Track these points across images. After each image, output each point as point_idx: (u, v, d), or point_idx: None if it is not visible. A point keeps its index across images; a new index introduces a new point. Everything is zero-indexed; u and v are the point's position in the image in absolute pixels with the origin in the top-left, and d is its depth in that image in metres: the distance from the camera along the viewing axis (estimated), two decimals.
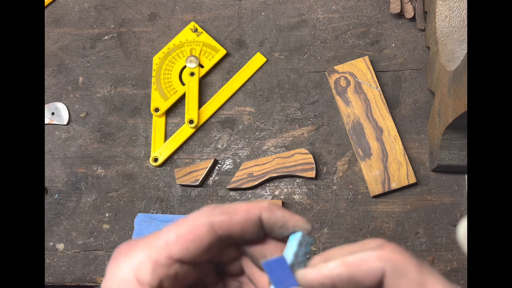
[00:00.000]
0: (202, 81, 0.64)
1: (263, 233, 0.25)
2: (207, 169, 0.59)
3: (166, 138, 0.62)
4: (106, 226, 0.59)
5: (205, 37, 0.65)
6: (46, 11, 0.68)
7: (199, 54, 0.64)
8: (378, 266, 0.22)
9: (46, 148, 0.63)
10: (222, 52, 0.64)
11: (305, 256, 0.25)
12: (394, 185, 0.56)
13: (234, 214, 0.24)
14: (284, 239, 0.26)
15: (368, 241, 0.24)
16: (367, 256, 0.22)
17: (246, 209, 0.24)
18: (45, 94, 0.65)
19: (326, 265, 0.23)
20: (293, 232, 0.25)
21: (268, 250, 0.26)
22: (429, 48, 0.60)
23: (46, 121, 0.63)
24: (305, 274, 0.23)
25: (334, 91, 0.60)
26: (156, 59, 0.64)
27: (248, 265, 0.27)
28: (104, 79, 0.65)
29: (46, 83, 0.65)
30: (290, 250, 0.24)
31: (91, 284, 0.58)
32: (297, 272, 0.23)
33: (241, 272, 0.28)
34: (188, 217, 0.24)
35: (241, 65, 0.64)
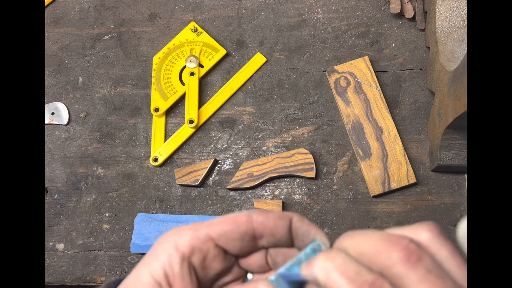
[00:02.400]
0: (202, 81, 0.64)
1: (290, 238, 0.28)
2: (207, 169, 0.59)
3: (166, 138, 0.62)
4: (106, 226, 0.59)
5: (205, 37, 0.65)
6: (46, 11, 0.68)
7: (199, 54, 0.64)
8: None
9: (46, 148, 0.63)
10: (222, 52, 0.64)
11: None
12: (394, 185, 0.56)
13: (270, 213, 0.27)
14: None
15: (393, 242, 0.23)
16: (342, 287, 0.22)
17: (281, 212, 0.28)
18: (45, 94, 0.65)
19: (316, 262, 0.23)
20: (312, 241, 0.27)
21: (291, 256, 0.28)
22: (429, 48, 0.60)
23: (46, 121, 0.63)
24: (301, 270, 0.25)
25: (334, 91, 0.60)
26: (156, 59, 0.64)
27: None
28: (104, 79, 0.65)
29: (46, 83, 0.65)
30: (302, 252, 0.26)
31: (91, 284, 0.58)
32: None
33: None
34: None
35: (241, 65, 0.64)
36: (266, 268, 0.29)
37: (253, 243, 0.28)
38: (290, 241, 0.28)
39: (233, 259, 0.28)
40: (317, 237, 0.27)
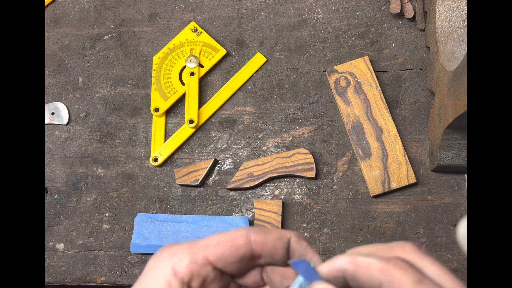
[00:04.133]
0: (202, 81, 0.64)
1: (287, 257, 0.28)
2: (207, 169, 0.59)
3: (166, 138, 0.62)
4: (106, 226, 0.59)
5: (205, 37, 0.65)
6: (46, 11, 0.68)
7: (199, 54, 0.64)
8: (377, 276, 0.23)
9: (46, 148, 0.63)
10: (222, 52, 0.64)
11: None
12: (394, 185, 0.56)
13: (269, 233, 0.27)
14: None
15: (397, 245, 0.25)
16: (372, 264, 0.24)
17: (280, 231, 0.28)
18: (45, 94, 0.65)
19: (337, 259, 0.25)
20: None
21: (287, 275, 0.28)
22: (429, 48, 0.60)
23: (46, 121, 0.63)
24: (320, 269, 0.26)
25: (334, 91, 0.60)
26: (156, 59, 0.64)
27: None
28: (104, 79, 0.65)
29: (46, 83, 0.65)
30: (300, 277, 0.27)
31: (91, 284, 0.58)
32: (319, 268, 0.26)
33: None
34: (231, 230, 0.28)
35: (241, 65, 0.64)
36: (261, 284, 0.29)
37: (251, 262, 0.28)
38: (286, 259, 0.28)
39: (229, 277, 0.28)
40: (313, 261, 0.27)
